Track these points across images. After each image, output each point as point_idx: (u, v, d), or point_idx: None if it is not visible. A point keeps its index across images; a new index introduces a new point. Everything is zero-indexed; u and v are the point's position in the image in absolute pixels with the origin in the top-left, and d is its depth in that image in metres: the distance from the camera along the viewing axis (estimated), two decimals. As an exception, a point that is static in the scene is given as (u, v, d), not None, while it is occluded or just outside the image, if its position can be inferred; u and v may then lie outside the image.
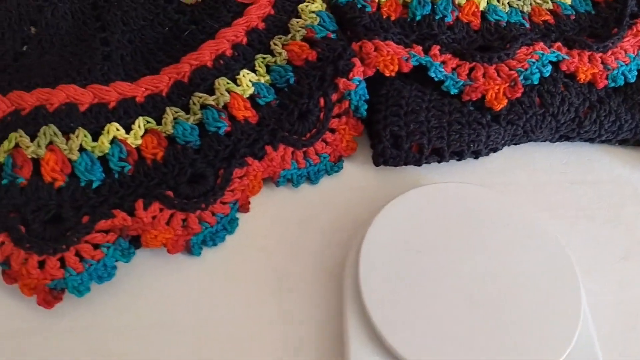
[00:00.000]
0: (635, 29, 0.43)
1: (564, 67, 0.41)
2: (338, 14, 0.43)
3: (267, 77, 0.41)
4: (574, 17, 0.45)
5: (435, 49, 0.41)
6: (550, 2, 0.45)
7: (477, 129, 0.40)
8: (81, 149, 0.36)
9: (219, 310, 0.36)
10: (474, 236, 0.36)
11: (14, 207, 0.34)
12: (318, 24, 0.42)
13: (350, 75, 0.40)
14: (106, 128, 0.37)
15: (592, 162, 0.43)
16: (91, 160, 0.36)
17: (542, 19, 0.44)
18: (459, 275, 0.34)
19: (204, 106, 0.39)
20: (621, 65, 0.42)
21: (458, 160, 0.41)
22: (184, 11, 0.43)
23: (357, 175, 0.42)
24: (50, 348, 0.34)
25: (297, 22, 0.42)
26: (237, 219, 0.39)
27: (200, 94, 0.39)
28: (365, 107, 0.41)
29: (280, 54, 0.41)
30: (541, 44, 0.41)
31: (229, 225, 0.38)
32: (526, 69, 0.40)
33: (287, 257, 0.38)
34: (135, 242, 0.36)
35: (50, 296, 0.34)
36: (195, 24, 0.43)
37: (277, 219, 0.39)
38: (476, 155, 0.41)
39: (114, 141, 0.37)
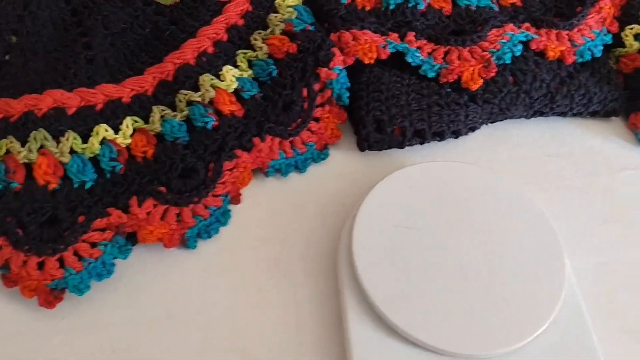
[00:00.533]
0: (597, 6, 0.45)
1: (533, 46, 0.43)
2: (314, 7, 0.45)
3: (250, 72, 0.42)
4: (539, -1, 0.47)
5: (411, 36, 0.43)
6: (516, -15, 0.47)
7: (455, 109, 0.42)
8: (72, 151, 0.37)
9: (218, 300, 0.36)
10: (462, 210, 0.37)
11: (10, 211, 0.35)
12: (296, 18, 0.43)
13: (331, 64, 0.41)
14: (95, 129, 0.38)
15: (565, 136, 0.45)
16: (82, 162, 0.37)
17: (510, 1, 0.46)
18: (450, 248, 0.35)
19: (190, 103, 0.40)
20: (587, 41, 0.44)
21: (439, 140, 0.43)
22: (163, 12, 0.44)
23: (344, 161, 0.43)
24: (54, 348, 0.34)
25: (276, 17, 0.43)
26: (230, 210, 0.40)
27: (186, 91, 0.40)
28: (347, 94, 0.42)
29: (261, 48, 0.42)
30: (510, 25, 0.43)
31: (222, 217, 0.39)
32: (498, 50, 0.42)
33: (281, 244, 0.39)
34: (132, 239, 0.37)
35: (51, 296, 0.35)
36: (175, 24, 0.43)
37: (269, 208, 0.40)
38: (456, 135, 0.43)
39: (103, 142, 0.38)
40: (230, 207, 0.40)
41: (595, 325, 0.35)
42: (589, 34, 0.45)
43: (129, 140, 0.38)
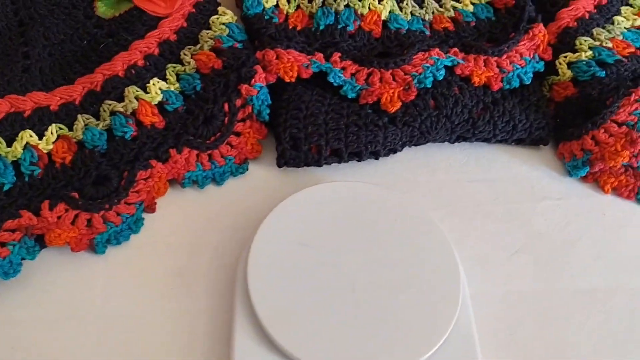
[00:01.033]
0: (531, 33, 0.45)
1: (458, 71, 0.43)
2: (248, 25, 0.46)
3: (177, 85, 0.43)
4: (474, 24, 0.47)
5: (336, 56, 0.43)
6: (452, 10, 0.47)
7: (374, 131, 0.42)
8: (-5, 155, 0.39)
9: (119, 305, 0.38)
10: (363, 231, 0.37)
11: None
12: (227, 35, 0.44)
13: (252, 81, 0.42)
14: (20, 135, 0.40)
15: (491, 162, 0.45)
16: (4, 165, 0.39)
17: (443, 26, 0.47)
18: (344, 268, 0.36)
19: (113, 113, 0.41)
20: (517, 68, 0.44)
21: (358, 160, 0.43)
22: (102, 25, 0.46)
23: (262, 176, 0.44)
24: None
25: (207, 34, 0.45)
26: (143, 219, 0.41)
27: (110, 102, 0.41)
28: (268, 111, 0.43)
29: (189, 63, 0.44)
30: (437, 49, 0.44)
31: (134, 225, 0.41)
32: (420, 73, 0.42)
33: (188, 255, 0.40)
34: (41, 241, 0.39)
35: (-45, 291, 0.36)
36: (111, 37, 0.45)
37: (182, 219, 0.41)
38: (375, 156, 0.43)
39: (26, 147, 0.40)
40: (145, 215, 0.41)
41: (490, 356, 0.34)
42: (519, 61, 0.44)
43: (51, 147, 0.40)
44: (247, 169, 0.44)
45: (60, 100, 0.42)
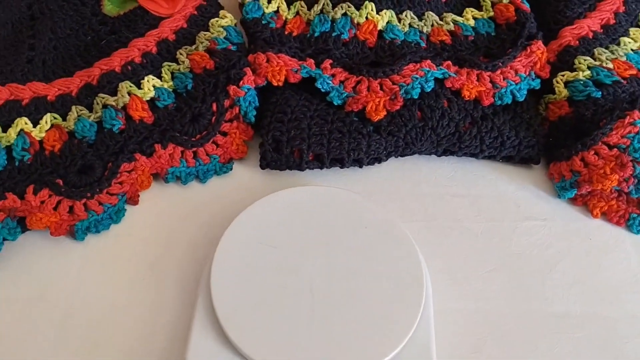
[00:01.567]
0: (529, 50, 0.44)
1: (448, 84, 0.43)
2: (245, 29, 0.47)
3: (171, 83, 0.44)
4: (472, 38, 0.46)
5: (327, 63, 0.44)
6: (452, 24, 0.47)
7: (357, 138, 0.42)
8: (-10, 139, 0.41)
9: (89, 291, 0.38)
10: (331, 236, 0.37)
11: None
12: (224, 37, 0.45)
13: (241, 83, 0.43)
14: (16, 122, 0.42)
15: (478, 178, 0.44)
16: (-3, 149, 0.41)
17: (440, 39, 0.46)
18: (305, 272, 0.36)
19: (105, 106, 0.42)
20: (510, 84, 0.43)
21: (340, 167, 0.43)
22: (107, 22, 0.47)
23: (246, 177, 0.44)
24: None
25: (204, 35, 0.46)
26: (125, 210, 0.42)
27: (104, 95, 0.43)
28: (254, 113, 0.44)
29: (183, 62, 0.45)
30: (429, 61, 0.43)
31: (115, 215, 0.42)
32: (408, 84, 0.42)
33: (163, 249, 0.40)
34: (23, 224, 0.40)
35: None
36: (114, 34, 0.47)
37: (163, 213, 0.42)
38: (359, 164, 0.43)
39: (20, 133, 0.41)
40: (127, 207, 0.42)
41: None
42: (514, 77, 0.44)
43: (43, 134, 0.42)
44: (231, 169, 0.44)
45: (57, 92, 0.44)
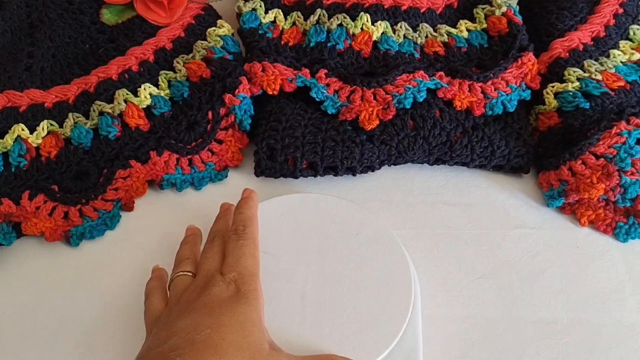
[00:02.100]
0: (520, 61, 0.45)
1: (441, 94, 0.44)
2: (242, 38, 0.47)
3: (167, 91, 0.45)
4: (465, 50, 0.47)
5: (322, 73, 0.44)
6: (445, 36, 0.48)
7: (350, 147, 0.43)
8: (-12, 145, 0.41)
9: (85, 296, 0.39)
10: (322, 243, 0.38)
11: None
12: (220, 47, 0.46)
13: (236, 91, 0.43)
14: (13, 128, 0.42)
15: (470, 187, 0.44)
16: (-6, 155, 0.41)
17: (434, 50, 0.47)
18: (296, 277, 0.36)
19: (101, 113, 0.43)
20: (501, 95, 0.44)
21: (334, 175, 0.44)
22: (105, 31, 0.48)
23: (241, 184, 0.44)
24: None
25: (201, 44, 0.46)
26: (120, 216, 0.42)
27: (100, 102, 0.43)
28: (249, 121, 0.45)
29: (180, 70, 0.45)
30: (422, 72, 0.44)
31: (110, 221, 0.42)
32: (401, 94, 0.43)
33: (158, 255, 0.41)
34: (18, 229, 0.41)
35: None
36: (112, 43, 0.47)
37: (158, 220, 0.43)
38: (352, 172, 0.44)
39: (17, 139, 0.42)
40: (122, 213, 0.43)
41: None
42: (505, 88, 0.44)
43: (40, 141, 0.42)
44: (226, 176, 0.45)
45: (55, 99, 0.44)
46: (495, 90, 0.44)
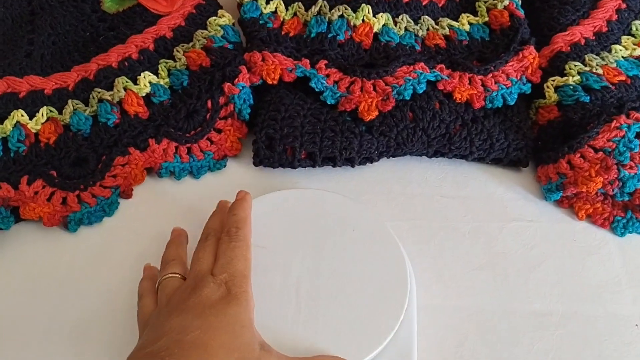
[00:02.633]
0: (521, 55, 0.45)
1: (441, 86, 0.43)
2: (243, 28, 0.47)
3: (167, 80, 0.45)
4: (466, 43, 0.47)
5: (322, 63, 0.44)
6: (447, 29, 0.47)
7: (349, 137, 0.43)
8: (-12, 130, 0.41)
9: (81, 281, 0.39)
10: (319, 237, 0.38)
11: None
12: (221, 36, 0.46)
13: (236, 80, 0.43)
14: (12, 114, 0.42)
15: (468, 180, 0.44)
16: (-7, 140, 0.41)
17: (435, 42, 0.47)
18: (291, 271, 0.36)
19: (100, 100, 0.43)
20: (501, 88, 0.44)
21: (332, 166, 0.44)
22: (105, 19, 0.48)
23: (239, 174, 0.45)
24: None
25: (202, 33, 0.46)
26: (118, 203, 0.43)
27: (100, 90, 0.43)
28: (249, 111, 0.45)
29: (180, 59, 0.45)
30: (422, 64, 0.44)
31: (108, 207, 0.42)
32: (400, 85, 0.43)
33: (155, 242, 0.40)
34: (17, 214, 0.41)
35: None
36: (112, 31, 0.47)
37: (156, 208, 0.43)
38: (351, 163, 0.44)
39: (16, 125, 0.42)
40: (121, 200, 0.43)
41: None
42: (505, 81, 0.44)
43: (39, 127, 0.42)
44: (224, 165, 0.45)
45: (54, 85, 0.44)
46: (495, 83, 0.44)
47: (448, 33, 0.48)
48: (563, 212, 0.42)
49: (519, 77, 0.45)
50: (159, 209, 0.43)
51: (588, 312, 0.37)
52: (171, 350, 0.28)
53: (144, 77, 0.44)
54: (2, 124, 0.42)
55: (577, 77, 0.44)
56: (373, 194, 0.43)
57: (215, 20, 0.47)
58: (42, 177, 0.40)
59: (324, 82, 0.44)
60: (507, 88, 0.44)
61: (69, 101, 0.43)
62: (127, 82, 0.44)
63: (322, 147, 0.42)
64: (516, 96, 0.44)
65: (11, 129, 0.42)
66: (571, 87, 0.43)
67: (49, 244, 0.41)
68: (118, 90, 0.43)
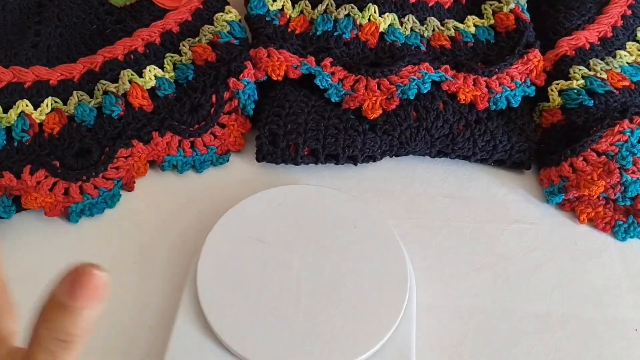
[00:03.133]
0: (526, 58, 0.45)
1: (445, 87, 0.44)
2: (249, 25, 0.48)
3: (172, 74, 0.45)
4: (471, 45, 0.47)
5: (327, 61, 0.44)
6: (452, 30, 0.48)
7: (352, 135, 0.43)
8: (-8, 119, 0.42)
9: (81, 272, 0.39)
10: (319, 234, 0.38)
11: None
12: (227, 31, 0.46)
13: (241, 76, 0.43)
14: (17, 103, 0.42)
15: (471, 181, 0.44)
16: (-3, 129, 0.41)
17: (440, 43, 0.47)
18: (292, 268, 0.36)
19: (105, 92, 0.43)
20: (505, 90, 0.44)
21: (335, 164, 0.44)
22: (113, 12, 0.48)
23: (242, 169, 0.45)
24: None
25: (208, 28, 0.46)
26: (120, 195, 0.43)
27: (105, 82, 0.44)
28: (253, 106, 0.45)
29: (186, 54, 0.45)
30: (427, 64, 0.44)
31: (110, 199, 0.42)
32: (405, 85, 0.43)
33: (156, 235, 0.41)
34: (18, 203, 0.41)
35: None
36: (119, 24, 0.48)
37: (157, 200, 0.43)
38: (353, 161, 0.44)
39: (20, 115, 0.42)
40: (123, 193, 0.43)
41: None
42: (509, 84, 0.44)
43: (43, 117, 0.42)
44: (227, 160, 0.45)
45: (60, 76, 0.44)
46: (499, 85, 0.44)
47: (453, 34, 0.48)
48: (565, 215, 0.42)
49: (523, 80, 0.45)
50: (161, 202, 0.43)
51: (588, 315, 0.37)
52: None
53: (150, 70, 0.44)
54: (6, 113, 0.42)
55: (581, 81, 0.44)
56: (375, 192, 0.43)
57: (222, 15, 0.47)
58: (45, 167, 0.40)
59: (329, 79, 0.44)
60: (511, 90, 0.44)
61: (74, 92, 0.43)
62: (132, 74, 0.44)
63: (325, 144, 0.42)
64: (520, 99, 0.45)
65: (15, 118, 0.42)
66: (575, 91, 0.43)
67: (50, 234, 0.41)
68: (123, 83, 0.43)
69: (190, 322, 0.35)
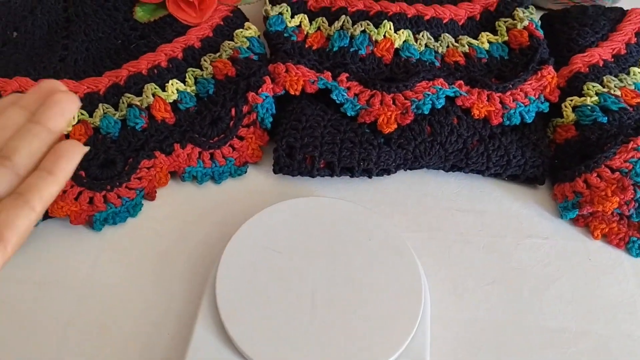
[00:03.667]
0: (540, 74, 0.46)
1: (459, 102, 0.44)
2: (268, 40, 0.49)
3: (194, 88, 0.46)
4: (485, 61, 0.48)
5: (343, 76, 0.45)
6: (467, 46, 0.49)
7: (367, 149, 0.44)
8: (19, 129, 0.43)
9: (104, 278, 0.40)
10: (335, 246, 0.38)
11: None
12: (247, 47, 0.48)
13: (260, 90, 0.45)
14: (45, 115, 0.44)
15: (484, 195, 0.45)
16: (27, 140, 0.43)
17: (454, 59, 0.48)
18: (308, 279, 0.37)
19: (130, 105, 0.45)
20: (519, 106, 0.45)
21: (350, 176, 0.45)
22: (137, 28, 0.50)
23: (259, 181, 0.46)
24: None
25: (228, 44, 0.48)
26: (142, 204, 0.44)
27: (129, 95, 0.45)
28: (270, 120, 0.46)
29: (207, 68, 0.47)
30: (441, 79, 0.45)
31: (133, 209, 0.43)
32: (420, 100, 0.44)
33: (176, 243, 0.42)
34: (46, 211, 0.42)
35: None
36: (143, 39, 0.49)
37: (178, 210, 0.44)
38: (368, 174, 0.44)
39: (48, 126, 0.44)
40: (145, 202, 0.44)
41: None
42: (523, 100, 0.45)
43: (70, 129, 0.44)
44: (245, 172, 0.46)
45: (86, 90, 0.46)
46: (513, 101, 0.45)
47: (467, 51, 0.49)
48: (578, 231, 0.43)
49: (537, 96, 0.46)
50: (181, 211, 0.44)
51: (601, 331, 0.37)
52: None
53: (172, 84, 0.46)
54: (35, 124, 0.44)
55: (595, 98, 0.44)
56: (389, 205, 0.44)
57: (241, 32, 0.49)
58: (72, 177, 0.42)
59: (345, 94, 0.45)
60: (525, 106, 0.45)
61: (100, 105, 0.45)
62: (155, 88, 0.45)
63: (340, 157, 0.43)
64: (534, 114, 0.45)
65: (43, 129, 0.43)
66: (589, 108, 0.44)
67: (74, 241, 0.42)
68: (147, 96, 0.45)
69: (208, 330, 0.36)
